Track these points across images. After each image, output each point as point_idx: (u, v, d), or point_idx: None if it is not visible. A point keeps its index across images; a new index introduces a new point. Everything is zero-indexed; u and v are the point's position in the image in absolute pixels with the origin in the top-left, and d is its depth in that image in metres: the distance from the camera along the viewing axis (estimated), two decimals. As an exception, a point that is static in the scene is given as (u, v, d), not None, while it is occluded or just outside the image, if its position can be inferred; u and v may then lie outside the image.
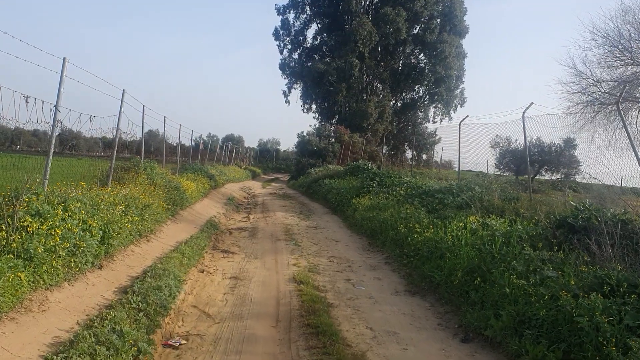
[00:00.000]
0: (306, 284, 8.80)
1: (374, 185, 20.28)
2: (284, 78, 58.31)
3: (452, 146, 26.54)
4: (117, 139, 11.43)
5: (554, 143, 31.61)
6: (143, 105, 14.26)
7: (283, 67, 57.96)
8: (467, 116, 18.33)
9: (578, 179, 29.55)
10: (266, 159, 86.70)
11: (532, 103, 14.65)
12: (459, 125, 18.54)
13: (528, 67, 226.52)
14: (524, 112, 14.66)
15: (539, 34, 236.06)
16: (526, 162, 33.13)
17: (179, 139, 21.82)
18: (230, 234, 15.09)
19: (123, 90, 11.22)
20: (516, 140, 33.07)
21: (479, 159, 26.12)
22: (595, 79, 23.28)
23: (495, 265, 7.76)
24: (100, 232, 7.40)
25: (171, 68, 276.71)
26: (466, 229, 9.97)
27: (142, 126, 14.34)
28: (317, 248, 12.80)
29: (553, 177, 32.42)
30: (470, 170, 36.90)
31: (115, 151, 11.32)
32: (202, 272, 9.82)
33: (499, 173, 33.04)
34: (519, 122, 15.20)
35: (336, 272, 10.18)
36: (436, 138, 48.32)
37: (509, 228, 9.44)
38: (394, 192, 18.58)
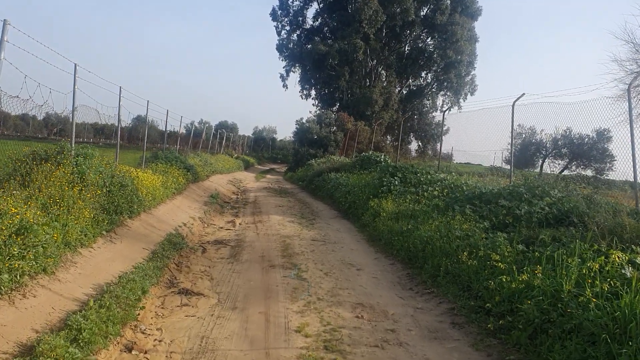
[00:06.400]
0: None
1: (396, 183, 15.72)
2: (282, 60, 53.58)
3: (463, 136, 22.42)
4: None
5: (587, 134, 27.35)
6: (75, 65, 9.66)
7: (281, 48, 53.14)
8: (524, 94, 13.81)
9: (611, 175, 25.36)
10: (261, 148, 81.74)
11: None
12: (512, 105, 13.99)
13: (539, 54, 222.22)
14: (629, 85, 10.20)
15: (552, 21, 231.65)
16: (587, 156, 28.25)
17: (147, 116, 17.21)
18: (203, 252, 10.57)
19: (4, 21, 6.66)
20: (542, 130, 29.08)
21: (482, 150, 22.29)
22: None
23: None
24: None
25: (167, 55, 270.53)
26: (618, 280, 5.48)
27: (74, 93, 9.71)
28: (331, 284, 8.28)
29: (583, 173, 28.05)
30: (468, 163, 32.57)
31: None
32: (130, 350, 5.30)
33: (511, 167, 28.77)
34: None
35: (373, 348, 5.67)
36: (445, 128, 44.25)
37: None
38: (426, 194, 14.09)
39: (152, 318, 6.36)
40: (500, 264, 6.98)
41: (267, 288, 7.91)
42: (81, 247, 7.23)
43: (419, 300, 7.60)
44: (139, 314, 6.01)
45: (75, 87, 9.78)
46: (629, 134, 9.80)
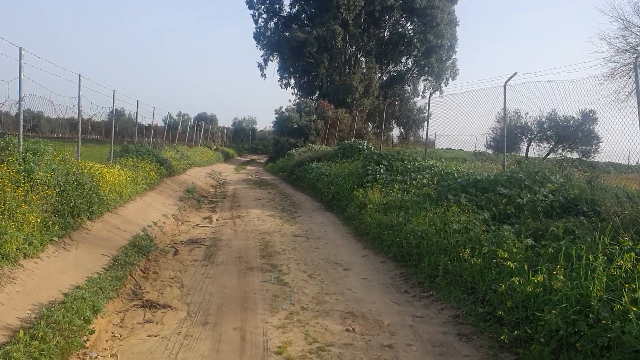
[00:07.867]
0: None
1: (382, 171, 14.82)
2: (260, 49, 52.29)
3: (446, 121, 21.75)
4: None
5: (572, 116, 26.86)
6: (20, 48, 8.53)
7: (258, 36, 51.79)
8: (516, 73, 12.89)
9: (597, 157, 24.85)
10: (241, 139, 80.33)
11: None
12: (504, 86, 13.06)
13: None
14: (636, 59, 9.35)
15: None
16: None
17: (113, 107, 16.02)
18: (175, 254, 9.57)
19: None
20: (526, 114, 28.66)
21: (465, 134, 21.60)
22: (648, 34, 18.11)
23: None
24: None
25: (145, 47, 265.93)
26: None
27: (20, 81, 8.61)
28: (316, 289, 7.35)
29: (569, 156, 27.46)
30: (450, 149, 31.98)
31: None
32: (73, 389, 4.33)
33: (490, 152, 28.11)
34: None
35: (370, 370, 4.77)
36: (427, 114, 43.45)
37: None
38: (415, 182, 13.22)
39: (107, 340, 5.37)
40: (509, 262, 6.10)
41: (243, 296, 6.95)
42: (24, 258, 6.18)
43: (417, 306, 6.70)
44: (87, 340, 5.00)
45: (22, 74, 8.66)
46: (636, 112, 8.91)
